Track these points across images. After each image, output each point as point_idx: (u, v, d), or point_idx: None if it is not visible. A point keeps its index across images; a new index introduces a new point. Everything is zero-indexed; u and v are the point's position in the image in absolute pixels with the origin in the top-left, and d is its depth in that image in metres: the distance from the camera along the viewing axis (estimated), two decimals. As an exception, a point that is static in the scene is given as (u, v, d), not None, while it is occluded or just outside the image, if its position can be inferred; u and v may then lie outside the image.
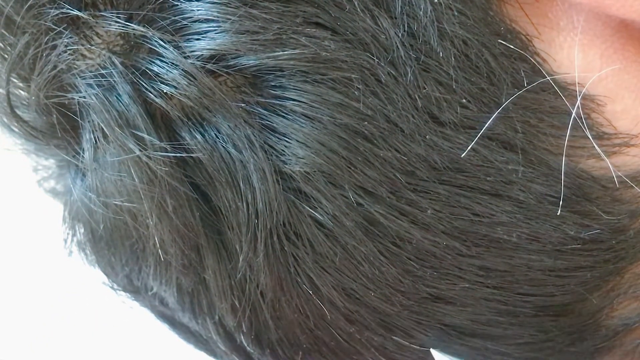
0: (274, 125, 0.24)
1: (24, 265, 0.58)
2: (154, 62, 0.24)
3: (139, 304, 0.32)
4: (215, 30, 0.23)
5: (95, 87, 0.24)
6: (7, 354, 0.57)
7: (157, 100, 0.24)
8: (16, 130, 0.27)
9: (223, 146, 0.24)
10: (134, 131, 0.24)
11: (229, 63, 0.23)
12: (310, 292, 0.25)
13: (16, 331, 0.58)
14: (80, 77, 0.25)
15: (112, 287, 0.30)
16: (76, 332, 0.57)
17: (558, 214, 0.24)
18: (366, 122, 0.23)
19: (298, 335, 0.27)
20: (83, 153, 0.26)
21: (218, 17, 0.23)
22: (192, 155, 0.24)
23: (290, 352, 0.28)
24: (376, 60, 0.23)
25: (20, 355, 0.57)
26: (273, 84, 0.24)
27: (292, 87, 0.23)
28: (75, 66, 0.25)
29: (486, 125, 0.24)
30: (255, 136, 0.24)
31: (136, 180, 0.24)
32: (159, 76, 0.24)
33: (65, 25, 0.24)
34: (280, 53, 0.23)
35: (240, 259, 0.25)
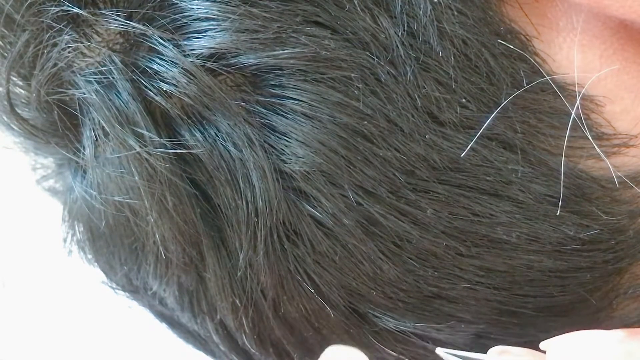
0: (274, 124, 0.24)
1: (23, 264, 0.58)
2: (153, 60, 0.24)
3: (137, 304, 0.32)
4: (215, 28, 0.23)
5: (95, 84, 0.24)
6: (6, 354, 0.57)
7: (156, 98, 0.24)
8: (16, 128, 0.27)
9: (223, 144, 0.24)
10: (133, 128, 0.24)
11: (229, 62, 0.23)
12: (312, 290, 0.25)
13: (16, 331, 0.58)
14: (80, 74, 0.25)
15: (111, 286, 0.30)
16: (75, 332, 0.57)
17: (557, 214, 0.24)
18: (366, 122, 0.24)
19: (302, 333, 0.27)
20: (84, 150, 0.26)
21: (218, 15, 0.23)
22: (191, 152, 0.24)
23: (294, 350, 0.28)
24: (376, 59, 0.23)
25: (20, 355, 0.57)
26: (273, 82, 0.24)
27: (291, 86, 0.23)
28: (76, 64, 0.25)
29: (485, 125, 0.24)
30: (254, 135, 0.24)
31: (136, 176, 0.24)
32: (158, 74, 0.24)
33: (66, 23, 0.24)
34: (280, 52, 0.23)
35: (240, 258, 0.25)
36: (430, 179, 0.24)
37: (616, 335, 0.23)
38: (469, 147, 0.24)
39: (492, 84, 0.24)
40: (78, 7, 0.24)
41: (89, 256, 0.29)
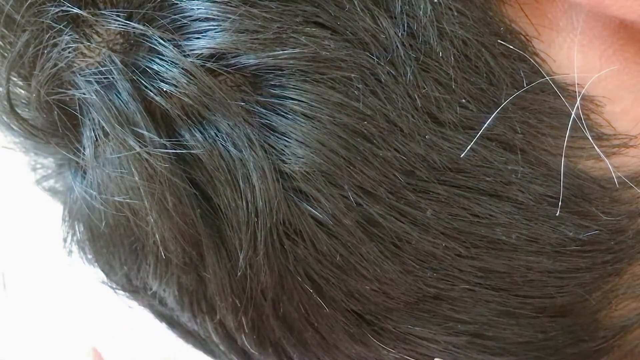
0: (274, 124, 0.24)
1: (23, 265, 0.58)
2: (153, 61, 0.24)
3: (137, 304, 0.32)
4: (215, 29, 0.23)
5: (95, 84, 0.24)
6: (6, 354, 0.57)
7: (156, 98, 0.24)
8: (16, 128, 0.27)
9: (223, 145, 0.24)
10: (133, 128, 0.24)
11: (229, 62, 0.23)
12: (311, 290, 0.25)
13: (16, 332, 0.58)
14: (80, 75, 0.25)
15: (111, 286, 0.30)
16: (75, 332, 0.57)
17: (557, 214, 0.24)
18: (366, 122, 0.24)
19: (302, 333, 0.27)
20: (83, 150, 0.26)
21: (218, 16, 0.23)
22: (191, 152, 0.24)
23: (293, 350, 0.28)
24: (376, 59, 0.23)
25: (20, 355, 0.58)
26: (273, 83, 0.24)
27: (291, 86, 0.23)
28: (76, 64, 0.25)
29: (485, 125, 0.24)
30: (254, 135, 0.24)
31: (136, 177, 0.24)
32: (158, 74, 0.24)
33: (66, 23, 0.24)
34: (280, 52, 0.23)
35: (240, 258, 0.25)
36: (430, 179, 0.24)
37: None
38: (468, 147, 0.24)
39: (492, 84, 0.24)
40: (78, 8, 0.24)
41: (89, 256, 0.29)
